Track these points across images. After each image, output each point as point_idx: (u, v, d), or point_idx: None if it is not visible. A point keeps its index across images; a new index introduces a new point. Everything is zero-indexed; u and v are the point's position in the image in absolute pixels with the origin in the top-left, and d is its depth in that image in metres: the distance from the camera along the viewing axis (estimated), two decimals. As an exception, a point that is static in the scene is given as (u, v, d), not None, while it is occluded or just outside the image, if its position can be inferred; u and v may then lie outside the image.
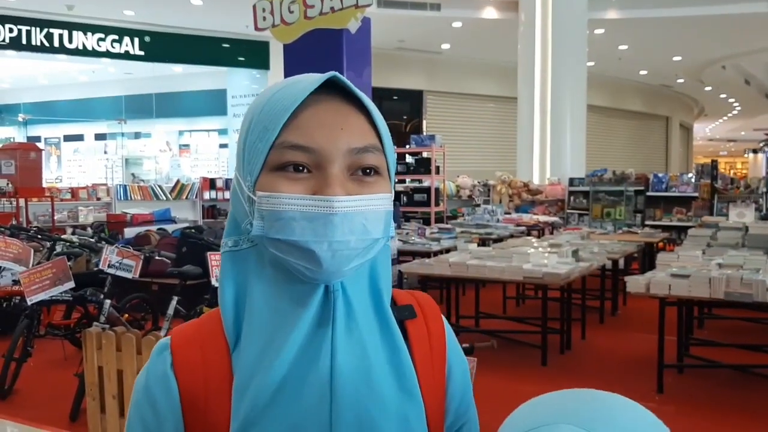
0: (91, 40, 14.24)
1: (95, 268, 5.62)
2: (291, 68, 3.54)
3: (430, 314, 0.94)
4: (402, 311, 0.90)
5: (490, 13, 14.85)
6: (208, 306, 4.67)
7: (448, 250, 7.29)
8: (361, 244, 0.77)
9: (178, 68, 16.99)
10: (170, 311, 4.78)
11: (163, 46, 14.97)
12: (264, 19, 3.58)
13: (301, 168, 0.77)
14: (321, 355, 0.78)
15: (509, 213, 11.26)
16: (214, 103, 17.48)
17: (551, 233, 9.82)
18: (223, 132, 17.84)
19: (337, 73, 0.79)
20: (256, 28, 3.55)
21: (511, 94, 14.77)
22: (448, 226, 8.98)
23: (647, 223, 10.72)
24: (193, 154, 18.79)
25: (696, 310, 6.73)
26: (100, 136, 20.00)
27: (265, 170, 0.78)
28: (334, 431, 0.77)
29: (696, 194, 10.43)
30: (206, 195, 11.78)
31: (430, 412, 0.86)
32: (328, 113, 0.78)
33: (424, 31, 15.76)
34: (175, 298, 4.82)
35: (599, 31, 15.49)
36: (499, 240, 8.31)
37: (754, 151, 37.81)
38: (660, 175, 11.32)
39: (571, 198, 11.95)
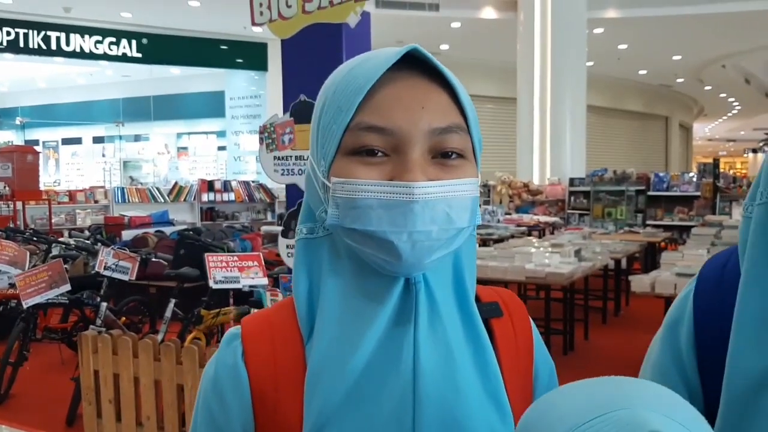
0: (88, 43, 14.20)
1: (92, 271, 5.55)
2: (290, 65, 3.48)
3: (517, 313, 0.88)
4: (487, 308, 0.84)
5: (488, 13, 14.80)
6: (206, 308, 4.60)
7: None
8: (445, 234, 0.70)
9: (176, 70, 16.95)
10: (167, 314, 4.71)
11: (161, 48, 14.92)
12: (261, 14, 3.51)
13: (378, 152, 0.70)
14: (403, 354, 0.72)
15: (510, 213, 11.21)
16: (212, 105, 17.44)
17: (552, 233, 9.76)
18: (221, 134, 17.80)
19: (418, 46, 0.72)
20: (253, 23, 3.49)
21: (511, 94, 14.73)
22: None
23: (648, 222, 10.66)
24: (192, 157, 18.75)
25: (700, 309, 6.67)
26: (98, 139, 19.98)
27: (339, 154, 0.72)
28: None
29: (698, 193, 10.37)
30: (204, 197, 11.71)
31: (516, 417, 0.78)
32: (407, 91, 0.71)
33: (422, 31, 15.71)
34: (173, 301, 4.75)
35: (598, 30, 15.45)
36: (500, 240, 8.25)
37: (754, 151, 37.82)
38: (661, 174, 11.27)
39: (572, 198, 11.89)
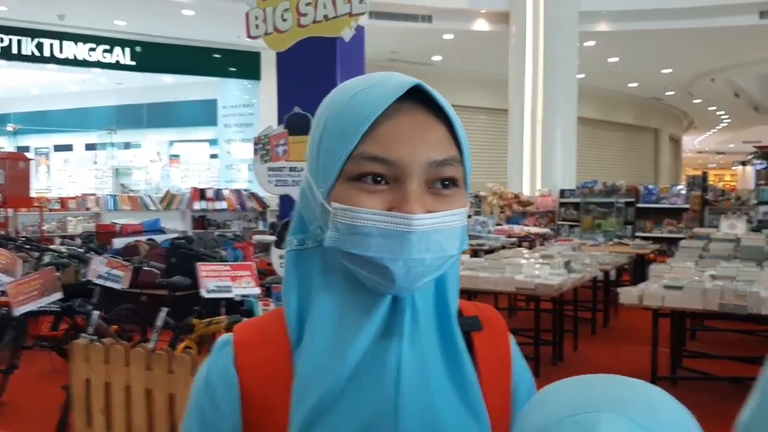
0: (82, 50, 14.19)
1: (84, 279, 5.56)
2: (284, 77, 3.52)
3: (497, 328, 0.92)
4: (468, 322, 0.88)
5: (481, 25, 14.90)
6: (197, 317, 4.62)
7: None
8: (437, 261, 0.75)
9: (169, 78, 16.96)
10: (159, 322, 4.72)
11: (155, 57, 14.93)
12: (257, 27, 3.56)
13: (378, 179, 0.74)
14: (387, 366, 0.76)
15: (500, 224, 11.25)
16: (205, 113, 17.45)
17: (542, 244, 9.81)
18: (213, 142, 17.80)
19: (421, 82, 0.76)
20: (249, 36, 3.53)
21: (503, 105, 14.81)
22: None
23: (638, 234, 10.74)
24: (184, 165, 18.73)
25: (688, 321, 6.73)
26: (90, 147, 19.92)
27: (341, 180, 0.75)
28: None
29: (686, 206, 10.46)
30: (196, 205, 11.71)
31: (494, 426, 0.83)
32: (409, 124, 0.75)
33: (415, 42, 15.80)
34: (164, 310, 4.76)
35: (590, 43, 15.58)
36: (491, 251, 8.29)
37: (743, 164, 38.03)
38: (650, 186, 11.36)
39: (562, 209, 11.97)
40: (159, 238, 8.50)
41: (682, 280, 5.01)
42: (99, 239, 8.99)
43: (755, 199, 9.92)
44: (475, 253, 8.09)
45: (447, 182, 0.77)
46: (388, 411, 0.75)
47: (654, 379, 4.89)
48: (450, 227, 0.75)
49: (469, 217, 11.71)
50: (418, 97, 0.76)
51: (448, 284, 0.83)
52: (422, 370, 0.78)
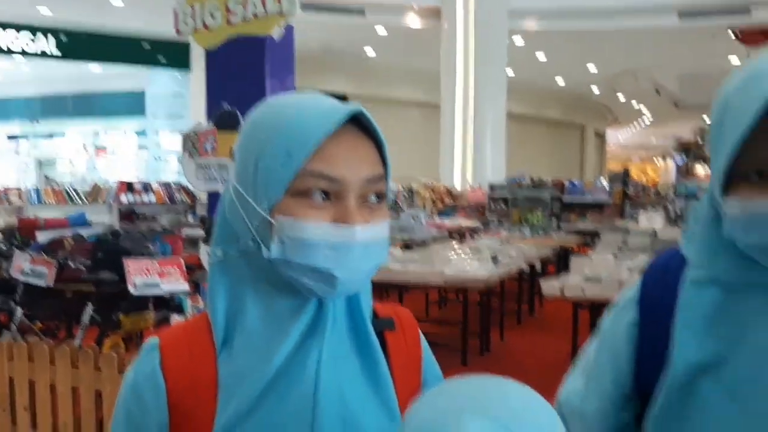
0: (4, 38, 13.63)
1: (5, 275, 5.40)
2: (213, 74, 3.52)
3: (409, 328, 1.01)
4: (382, 323, 0.95)
5: (413, 20, 15.05)
6: (125, 314, 4.56)
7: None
8: (372, 268, 0.84)
9: (95, 68, 16.47)
10: (85, 319, 4.64)
11: (81, 46, 14.48)
12: (185, 23, 3.55)
13: (320, 195, 0.81)
14: (308, 364, 0.83)
15: (432, 218, 11.43)
16: (132, 103, 17.03)
17: (472, 238, 10.03)
18: (141, 133, 17.39)
19: (362, 109, 0.82)
20: (178, 33, 3.51)
21: (435, 100, 15.01)
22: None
23: (563, 227, 11.09)
24: (110, 156, 18.22)
25: (608, 311, 7.02)
26: (11, 137, 19.14)
27: (286, 196, 0.80)
28: None
29: (609, 200, 10.87)
30: (123, 198, 11.41)
31: None
32: (349, 144, 0.82)
33: (348, 35, 15.84)
34: (90, 306, 4.69)
35: (519, 40, 15.94)
36: (423, 244, 8.43)
37: (664, 158, 39.62)
38: (575, 181, 11.74)
39: (492, 203, 12.22)
40: (85, 232, 8.29)
41: (600, 272, 5.25)
42: (22, 234, 8.69)
43: (674, 194, 10.38)
44: (406, 247, 8.20)
45: (377, 196, 0.85)
46: (307, 407, 0.82)
47: (574, 367, 5.11)
48: (382, 237, 0.84)
49: (402, 211, 11.85)
50: (350, 120, 0.83)
51: (362, 289, 0.91)
52: (339, 369, 0.85)
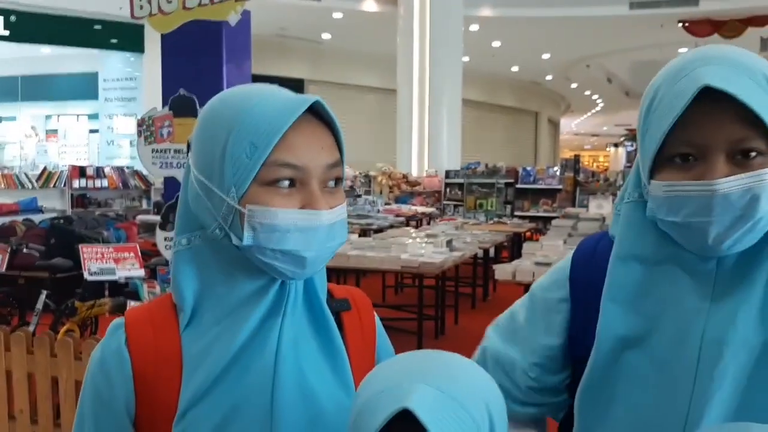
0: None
1: (-46, 262, 5.29)
2: (169, 59, 3.51)
3: (364, 308, 1.07)
4: (338, 303, 1.02)
5: (370, 5, 15.04)
6: (80, 300, 4.53)
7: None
8: (337, 247, 0.91)
9: (46, 50, 16.02)
10: (39, 306, 4.61)
11: (31, 27, 14.05)
12: (141, 7, 3.52)
13: (286, 182, 0.86)
14: (268, 342, 0.89)
15: (389, 204, 11.52)
16: (84, 86, 16.62)
17: (428, 223, 10.15)
18: (93, 117, 17.01)
19: (320, 100, 0.88)
20: (133, 17, 3.49)
21: (392, 86, 15.05)
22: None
23: (516, 213, 11.30)
24: (62, 140, 17.80)
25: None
26: (-44, 120, 18.53)
27: (254, 185, 0.85)
28: (274, 409, 0.88)
29: (561, 187, 11.11)
30: (76, 183, 11.21)
31: None
32: (310, 133, 0.88)
33: (305, 19, 15.74)
34: (44, 292, 4.65)
35: (474, 27, 16.06)
36: (380, 230, 8.50)
37: (615, 146, 40.41)
38: (528, 168, 11.96)
39: (448, 190, 12.38)
40: (36, 218, 8.16)
41: (551, 257, 5.39)
42: (-31, 219, 8.50)
43: (622, 180, 10.66)
44: (363, 233, 8.27)
45: (336, 182, 0.91)
46: (267, 383, 0.88)
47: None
48: (343, 218, 0.91)
49: (359, 196, 11.91)
50: (308, 108, 0.88)
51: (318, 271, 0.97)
52: (298, 347, 0.91)
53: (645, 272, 0.96)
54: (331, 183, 0.90)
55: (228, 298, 0.90)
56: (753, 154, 0.85)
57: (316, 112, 0.89)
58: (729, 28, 15.06)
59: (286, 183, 0.86)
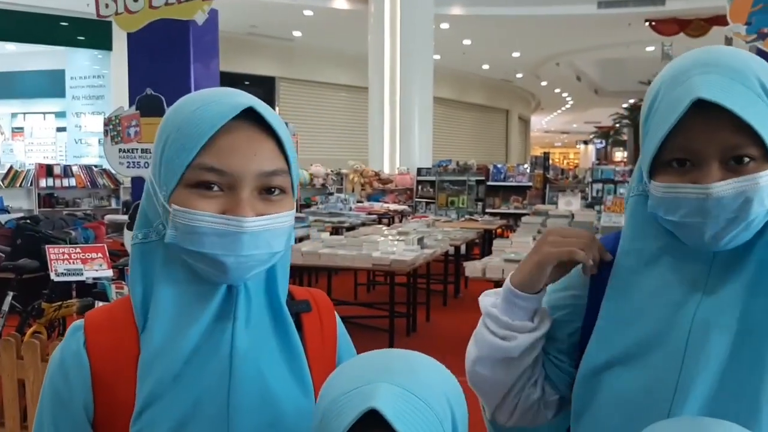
0: None
1: None
2: (136, 58, 3.49)
3: (324, 309, 1.08)
4: (298, 305, 1.02)
5: (340, 3, 15.02)
6: (47, 301, 4.48)
7: (301, 239, 7.39)
8: (264, 256, 0.89)
9: (11, 46, 15.74)
10: (5, 307, 4.55)
11: (-5, 23, 13.79)
12: (107, 6, 3.50)
13: (214, 187, 0.86)
14: (222, 344, 0.90)
15: (361, 201, 11.53)
16: (51, 84, 16.35)
17: (400, 221, 10.19)
18: (60, 115, 16.74)
19: (253, 104, 0.87)
20: (99, 16, 3.46)
21: (363, 84, 15.04)
22: (302, 214, 9.06)
23: (487, 210, 11.39)
24: (28, 138, 17.49)
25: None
26: None
27: (180, 186, 0.87)
28: (230, 412, 0.89)
29: (531, 184, 11.22)
30: (42, 182, 11.05)
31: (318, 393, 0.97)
32: (242, 140, 0.87)
33: (275, 17, 15.66)
34: (11, 294, 4.59)
35: (445, 25, 16.12)
36: (352, 228, 8.51)
37: (585, 143, 40.92)
38: (499, 165, 12.05)
39: (419, 187, 12.41)
40: (2, 218, 8.02)
41: (520, 254, 5.45)
42: (-68, 220, 8.33)
43: (591, 177, 10.80)
44: (335, 231, 8.27)
45: (275, 191, 0.90)
46: (223, 385, 0.89)
47: (496, 345, 5.31)
48: (277, 227, 0.89)
49: (331, 194, 11.90)
50: (251, 115, 0.89)
51: (278, 273, 0.98)
52: (255, 348, 0.92)
53: (644, 262, 1.01)
54: (274, 191, 0.90)
55: (175, 300, 0.90)
56: (746, 160, 0.89)
57: (262, 118, 0.89)
58: (694, 27, 15.32)
59: (213, 186, 0.87)
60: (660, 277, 0.99)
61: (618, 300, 1.02)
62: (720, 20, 15.19)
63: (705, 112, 0.87)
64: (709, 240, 0.91)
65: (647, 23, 15.78)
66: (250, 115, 0.88)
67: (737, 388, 0.92)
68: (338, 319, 1.11)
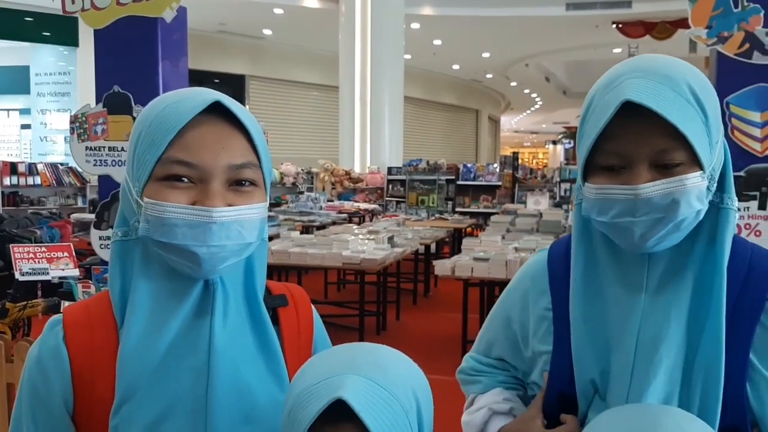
0: None
1: None
2: (103, 55, 3.44)
3: (301, 303, 1.09)
4: (275, 300, 1.04)
5: (311, 1, 14.97)
6: (11, 301, 4.40)
7: (271, 238, 7.36)
8: (236, 247, 0.90)
9: (-26, 42, 15.42)
10: (-33, 307, 4.45)
11: (-44, 18, 13.49)
12: (73, 2, 3.45)
13: (184, 179, 0.88)
14: (200, 340, 0.91)
15: (332, 200, 11.51)
16: (15, 80, 16.07)
17: (371, 220, 10.20)
18: (25, 111, 16.45)
19: (221, 99, 0.89)
20: (65, 12, 3.41)
21: (334, 83, 15.01)
22: (272, 213, 9.03)
23: (457, 210, 11.46)
24: (-9, 136, 17.17)
25: (497, 290, 7.36)
26: None
27: (151, 180, 0.89)
28: (209, 405, 0.90)
29: (500, 183, 11.32)
30: (6, 181, 10.86)
31: None
32: (211, 134, 0.89)
33: (245, 15, 15.55)
34: (-27, 294, 4.50)
35: (415, 25, 16.17)
36: (322, 227, 8.50)
37: (554, 143, 41.33)
38: (469, 165, 12.13)
39: (390, 186, 12.44)
40: (-36, 217, 7.86)
41: (489, 253, 5.51)
42: None
43: (559, 177, 10.92)
44: (305, 230, 8.26)
45: (246, 183, 0.92)
46: (201, 381, 0.90)
47: (464, 343, 5.36)
48: (248, 218, 0.91)
49: (301, 193, 11.87)
50: (222, 111, 0.91)
51: (255, 268, 0.99)
52: (232, 342, 0.93)
53: (589, 268, 1.05)
54: (244, 183, 0.91)
55: (153, 296, 0.92)
56: (675, 163, 0.92)
57: (232, 113, 0.91)
58: (660, 30, 15.57)
59: (179, 178, 0.88)
60: (605, 279, 1.03)
61: (585, 309, 1.05)
62: (685, 23, 15.35)
63: (637, 117, 0.90)
64: (639, 240, 0.94)
65: (614, 25, 15.99)
66: (220, 111, 0.90)
67: (689, 390, 0.95)
68: (315, 313, 1.13)
